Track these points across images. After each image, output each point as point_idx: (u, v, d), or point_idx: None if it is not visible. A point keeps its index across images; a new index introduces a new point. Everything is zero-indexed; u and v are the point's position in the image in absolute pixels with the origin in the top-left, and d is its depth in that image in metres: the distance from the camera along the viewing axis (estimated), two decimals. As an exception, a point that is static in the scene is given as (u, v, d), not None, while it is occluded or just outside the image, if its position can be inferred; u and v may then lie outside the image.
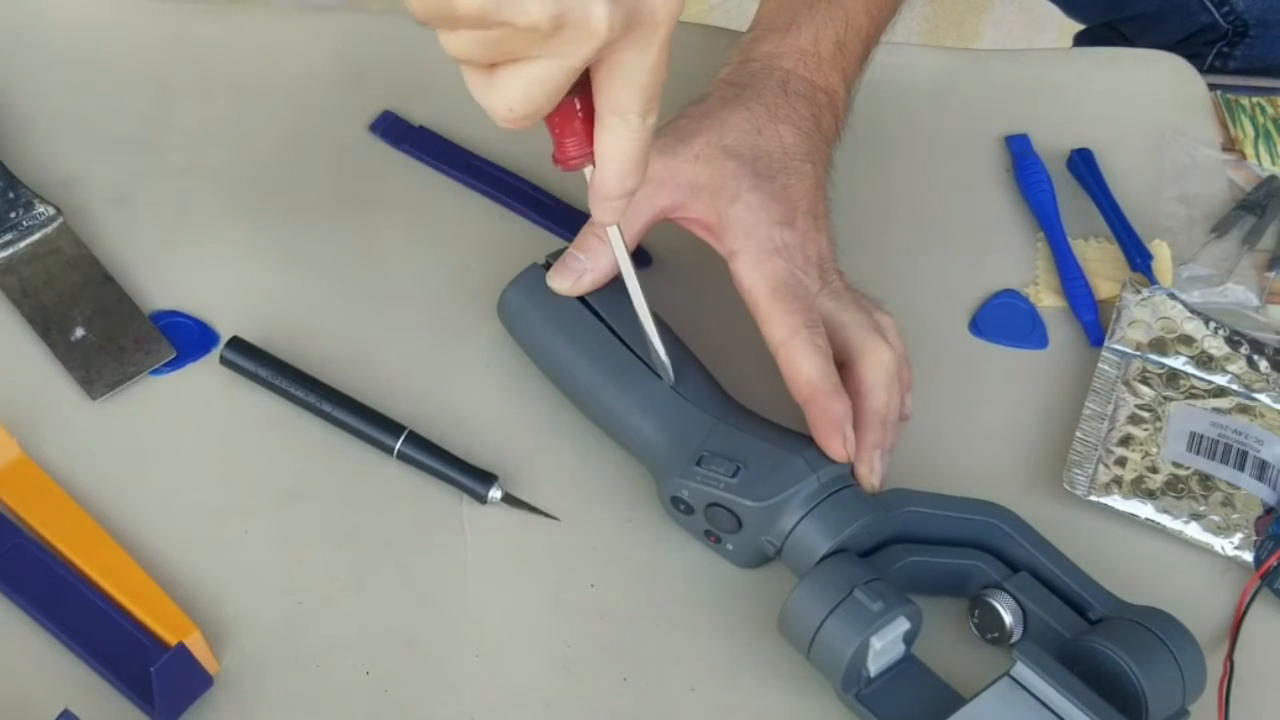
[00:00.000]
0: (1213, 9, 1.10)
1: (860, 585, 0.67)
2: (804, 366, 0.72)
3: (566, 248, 0.79)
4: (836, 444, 0.71)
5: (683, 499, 0.72)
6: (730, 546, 0.73)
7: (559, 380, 0.77)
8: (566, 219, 0.86)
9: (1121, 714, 0.64)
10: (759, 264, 0.73)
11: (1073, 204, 0.90)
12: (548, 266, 0.77)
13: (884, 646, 0.67)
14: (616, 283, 0.74)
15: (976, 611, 0.72)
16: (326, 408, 0.76)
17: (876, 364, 0.74)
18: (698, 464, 0.72)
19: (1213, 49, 1.10)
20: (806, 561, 0.70)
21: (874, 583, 0.67)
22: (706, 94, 0.78)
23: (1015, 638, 0.70)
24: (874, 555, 0.71)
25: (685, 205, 0.76)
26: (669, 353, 0.74)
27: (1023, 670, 0.66)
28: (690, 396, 0.74)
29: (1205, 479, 0.77)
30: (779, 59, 0.79)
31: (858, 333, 0.74)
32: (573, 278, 0.75)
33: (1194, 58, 1.00)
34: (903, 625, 0.67)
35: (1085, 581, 0.71)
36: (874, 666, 0.68)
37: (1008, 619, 0.70)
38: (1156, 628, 0.68)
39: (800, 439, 0.72)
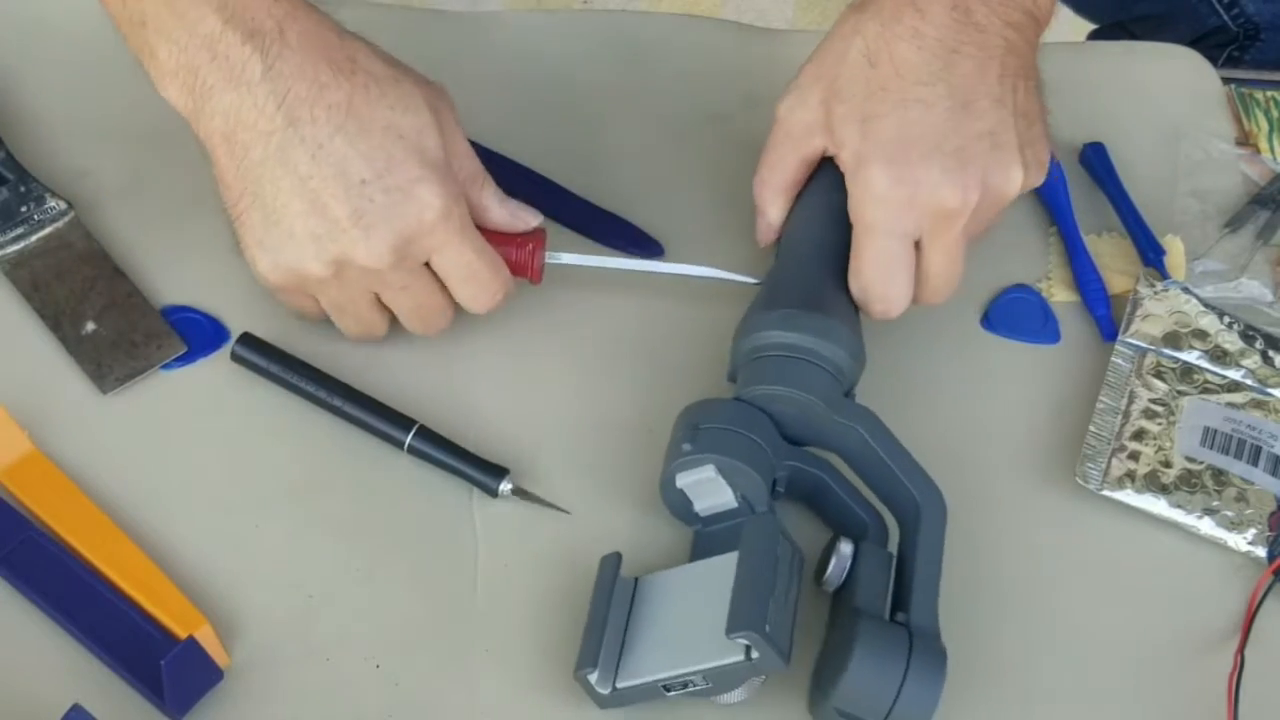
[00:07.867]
0: (1222, 12, 1.09)
1: (697, 427, 0.70)
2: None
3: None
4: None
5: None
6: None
7: None
8: (574, 211, 0.86)
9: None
10: (864, 208, 0.74)
11: (1085, 198, 0.90)
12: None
13: (694, 486, 0.70)
14: None
15: (830, 546, 0.71)
16: (337, 403, 0.76)
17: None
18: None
19: (1223, 52, 1.10)
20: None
21: (711, 429, 0.70)
22: (833, 29, 0.77)
23: (831, 587, 0.70)
24: (806, 448, 0.73)
25: (815, 148, 0.77)
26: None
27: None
28: None
29: (1219, 474, 0.77)
30: None
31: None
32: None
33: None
34: (708, 471, 0.69)
35: (930, 589, 0.69)
36: (698, 506, 0.71)
37: (830, 570, 0.69)
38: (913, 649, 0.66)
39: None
